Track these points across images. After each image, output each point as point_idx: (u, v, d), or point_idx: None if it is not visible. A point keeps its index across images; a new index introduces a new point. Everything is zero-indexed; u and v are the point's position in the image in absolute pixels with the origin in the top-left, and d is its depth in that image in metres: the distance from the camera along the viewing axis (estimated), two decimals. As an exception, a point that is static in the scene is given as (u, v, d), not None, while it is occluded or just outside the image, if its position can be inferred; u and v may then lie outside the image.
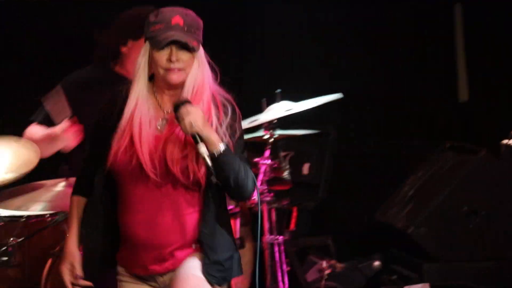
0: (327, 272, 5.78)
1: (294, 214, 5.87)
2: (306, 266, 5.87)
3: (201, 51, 3.68)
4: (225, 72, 3.81)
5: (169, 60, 3.62)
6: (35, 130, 4.86)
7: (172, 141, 3.64)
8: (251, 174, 3.64)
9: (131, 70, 4.75)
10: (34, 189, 4.92)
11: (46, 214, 4.90)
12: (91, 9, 6.19)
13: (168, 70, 3.62)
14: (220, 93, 3.71)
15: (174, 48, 3.61)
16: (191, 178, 3.60)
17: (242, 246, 5.24)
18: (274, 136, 5.28)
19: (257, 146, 5.40)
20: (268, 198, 5.31)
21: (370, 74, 6.49)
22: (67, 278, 3.73)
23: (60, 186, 4.97)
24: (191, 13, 3.69)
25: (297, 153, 5.74)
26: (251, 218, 5.57)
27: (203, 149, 3.51)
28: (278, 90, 5.28)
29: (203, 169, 3.58)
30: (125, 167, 3.65)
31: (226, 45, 6.35)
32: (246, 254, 5.38)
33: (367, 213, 6.21)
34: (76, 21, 6.37)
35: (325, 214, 6.45)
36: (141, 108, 3.69)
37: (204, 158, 3.52)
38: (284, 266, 5.36)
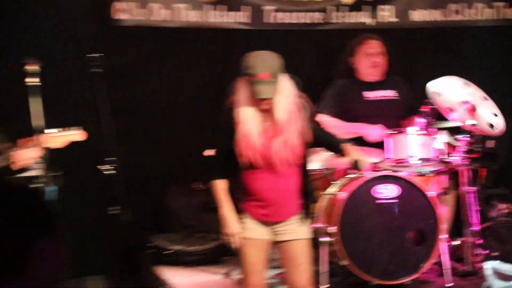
0: (505, 211, 6.28)
1: (484, 173, 6.08)
2: (490, 207, 6.30)
3: (281, 78, 3.99)
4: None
5: (260, 100, 4.03)
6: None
7: (280, 139, 4.09)
8: None
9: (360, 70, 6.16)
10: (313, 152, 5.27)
11: (319, 169, 5.85)
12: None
13: (259, 104, 4.04)
14: (299, 95, 4.09)
15: None
16: (295, 160, 4.16)
17: (446, 193, 5.88)
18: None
19: (459, 128, 5.75)
20: (466, 162, 5.72)
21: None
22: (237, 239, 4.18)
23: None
24: (274, 63, 3.95)
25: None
26: (452, 174, 6.02)
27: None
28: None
29: (300, 154, 4.11)
30: (251, 159, 4.10)
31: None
32: (449, 200, 6.08)
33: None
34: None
35: (504, 173, 6.66)
36: (249, 120, 4.05)
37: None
38: (476, 207, 5.77)
